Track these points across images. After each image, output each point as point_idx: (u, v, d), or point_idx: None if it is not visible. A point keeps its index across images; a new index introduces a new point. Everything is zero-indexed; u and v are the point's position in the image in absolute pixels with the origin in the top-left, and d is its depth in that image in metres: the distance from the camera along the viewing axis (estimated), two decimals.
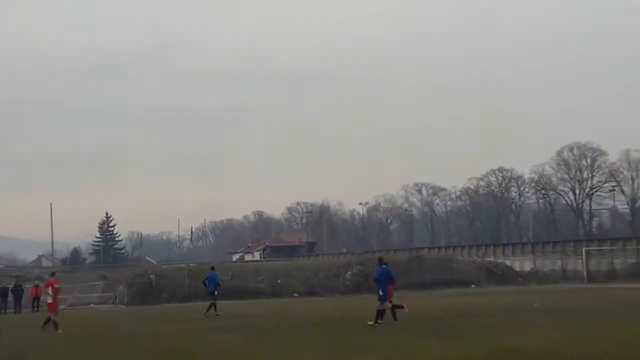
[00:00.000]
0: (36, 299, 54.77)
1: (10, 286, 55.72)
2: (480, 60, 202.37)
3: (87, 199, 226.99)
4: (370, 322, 26.03)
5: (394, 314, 27.30)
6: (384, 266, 27.71)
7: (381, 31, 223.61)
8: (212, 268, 41.49)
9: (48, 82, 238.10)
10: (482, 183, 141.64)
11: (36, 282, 56.21)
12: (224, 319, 34.47)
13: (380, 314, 26.40)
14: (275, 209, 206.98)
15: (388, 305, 26.83)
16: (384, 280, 26.94)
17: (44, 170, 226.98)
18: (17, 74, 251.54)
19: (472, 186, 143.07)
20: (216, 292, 37.96)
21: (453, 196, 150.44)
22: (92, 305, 58.30)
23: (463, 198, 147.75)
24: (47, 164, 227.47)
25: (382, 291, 26.69)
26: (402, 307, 27.17)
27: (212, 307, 36.74)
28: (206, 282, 38.73)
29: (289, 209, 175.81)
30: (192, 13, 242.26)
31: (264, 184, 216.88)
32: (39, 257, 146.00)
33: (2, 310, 55.05)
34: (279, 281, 63.91)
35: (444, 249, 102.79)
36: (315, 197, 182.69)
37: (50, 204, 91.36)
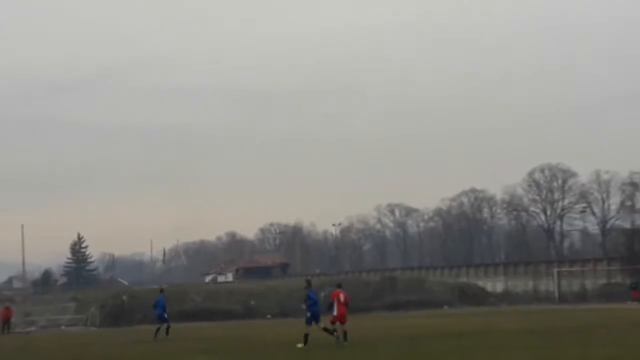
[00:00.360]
0: (7, 320, 54.51)
1: None
2: (452, 78, 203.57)
3: (59, 220, 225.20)
4: (299, 345, 26.53)
5: (344, 334, 27.75)
6: (309, 290, 28.23)
7: (351, 49, 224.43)
8: (162, 291, 40.63)
9: (16, 100, 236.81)
10: (454, 204, 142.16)
11: (7, 304, 55.89)
12: (197, 340, 34.39)
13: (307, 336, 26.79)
14: (248, 230, 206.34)
15: (320, 326, 27.18)
16: (312, 303, 27.40)
17: (15, 190, 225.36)
18: None
19: (444, 207, 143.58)
20: (166, 315, 36.84)
21: (425, 217, 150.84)
22: (63, 327, 57.93)
23: (435, 219, 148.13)
24: (17, 184, 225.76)
25: (312, 313, 27.18)
26: (332, 332, 27.11)
27: (166, 330, 35.91)
28: (155, 306, 37.65)
29: (262, 230, 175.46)
30: (161, 30, 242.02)
31: (237, 204, 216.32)
32: (10, 279, 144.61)
33: None
34: (252, 302, 63.85)
35: (416, 270, 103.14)
36: (288, 218, 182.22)
37: (22, 225, 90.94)
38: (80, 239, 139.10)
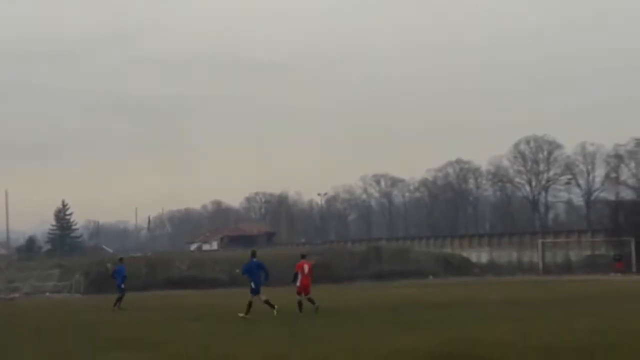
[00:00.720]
0: None
1: None
2: (438, 52, 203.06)
3: (43, 187, 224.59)
4: (241, 314, 26.39)
5: (311, 301, 28.05)
6: (254, 259, 27.91)
7: (340, 21, 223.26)
8: (121, 260, 40.09)
9: (1, 68, 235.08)
10: (440, 174, 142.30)
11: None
12: (183, 309, 34.34)
13: (251, 304, 26.73)
14: (234, 199, 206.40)
15: (262, 298, 27.10)
16: (255, 272, 27.25)
17: (3, 157, 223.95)
18: None
19: (430, 177, 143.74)
20: (123, 285, 36.32)
21: (411, 187, 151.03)
22: (47, 293, 57.78)
23: (421, 189, 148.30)
24: (2, 151, 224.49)
25: (254, 284, 27.14)
26: (273, 307, 26.94)
27: (118, 299, 35.31)
28: (114, 275, 37.35)
29: (248, 199, 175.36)
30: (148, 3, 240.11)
31: (223, 173, 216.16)
32: None
33: None
34: (237, 271, 63.64)
35: (401, 240, 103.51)
36: (274, 187, 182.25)
37: (6, 191, 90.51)
38: (64, 205, 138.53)
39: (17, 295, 56.10)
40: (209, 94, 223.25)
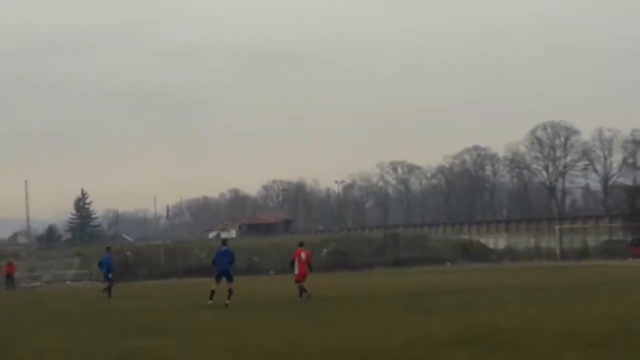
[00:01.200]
0: (10, 276, 54.80)
1: None
2: (456, 40, 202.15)
3: (63, 177, 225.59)
4: (210, 302, 26.44)
5: (302, 290, 28.26)
6: (223, 248, 27.96)
7: (356, 10, 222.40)
8: (108, 249, 39.70)
9: (21, 58, 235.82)
10: (456, 161, 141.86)
11: (9, 259, 56.07)
12: (201, 296, 34.47)
13: (214, 293, 26.75)
14: (251, 187, 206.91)
15: (228, 285, 27.01)
16: (223, 262, 27.19)
17: (19, 147, 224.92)
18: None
19: (447, 164, 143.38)
20: (111, 275, 36.25)
21: (428, 174, 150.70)
22: (68, 282, 58.17)
23: (438, 176, 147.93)
24: (22, 141, 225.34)
25: (222, 272, 27.09)
26: (228, 298, 26.75)
27: (108, 289, 35.43)
28: (100, 265, 37.61)
29: (265, 187, 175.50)
30: None
31: (240, 162, 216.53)
32: (15, 235, 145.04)
33: None
34: (255, 259, 64.03)
35: (419, 227, 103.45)
36: (291, 176, 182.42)
37: (26, 181, 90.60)
38: (84, 195, 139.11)
39: (38, 283, 56.51)
40: (226, 83, 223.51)
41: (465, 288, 32.57)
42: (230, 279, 26.86)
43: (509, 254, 75.35)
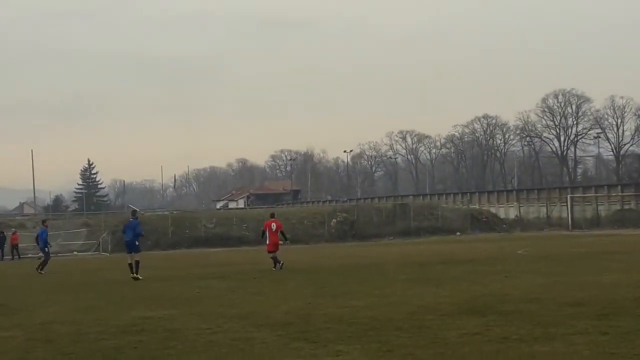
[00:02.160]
0: (15, 246, 54.82)
1: None
2: (466, 7, 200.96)
3: (69, 147, 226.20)
4: (133, 275, 26.54)
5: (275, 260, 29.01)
6: (131, 219, 28.35)
7: None
8: (43, 222, 39.51)
9: (27, 28, 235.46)
10: (466, 130, 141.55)
11: (13, 229, 56.02)
12: (209, 266, 34.31)
13: (132, 266, 26.90)
14: (259, 157, 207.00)
15: (135, 257, 27.22)
16: (129, 234, 27.51)
17: (25, 117, 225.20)
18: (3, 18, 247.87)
19: (456, 133, 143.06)
20: (47, 249, 35.37)
21: (438, 144, 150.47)
22: (75, 252, 58.15)
23: (448, 146, 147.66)
24: (27, 111, 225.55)
25: (127, 244, 27.54)
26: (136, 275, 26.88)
27: (41, 263, 34.66)
28: (37, 238, 37.33)
29: (273, 157, 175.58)
30: None
31: (248, 131, 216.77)
32: (21, 205, 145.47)
33: None
34: (262, 228, 63.80)
35: (428, 197, 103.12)
36: (299, 145, 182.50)
37: (31, 150, 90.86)
38: (90, 165, 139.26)
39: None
40: (234, 51, 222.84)
41: (475, 258, 32.34)
42: (135, 251, 27.16)
43: (520, 223, 75.12)
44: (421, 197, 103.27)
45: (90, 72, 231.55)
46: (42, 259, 35.13)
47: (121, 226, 62.01)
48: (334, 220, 67.60)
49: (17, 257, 54.48)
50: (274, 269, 28.72)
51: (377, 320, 13.48)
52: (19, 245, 56.01)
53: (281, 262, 28.95)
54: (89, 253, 57.94)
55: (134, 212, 29.96)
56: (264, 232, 30.41)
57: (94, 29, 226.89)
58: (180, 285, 24.21)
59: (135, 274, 26.38)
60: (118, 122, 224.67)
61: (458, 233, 67.01)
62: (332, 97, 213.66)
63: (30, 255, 56.85)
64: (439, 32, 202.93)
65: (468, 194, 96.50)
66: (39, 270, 33.75)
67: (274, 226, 30.00)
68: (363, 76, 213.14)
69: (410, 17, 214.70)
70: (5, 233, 55.84)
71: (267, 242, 29.84)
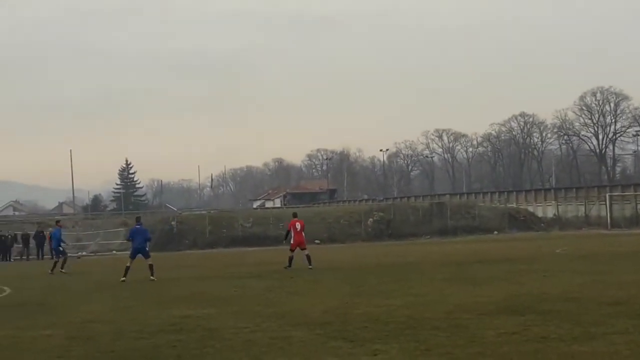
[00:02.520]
0: None
1: (32, 233, 56.18)
2: (504, 5, 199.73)
3: (108, 146, 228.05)
4: (123, 278, 26.64)
5: (307, 258, 29.58)
6: (137, 226, 28.67)
7: None
8: (57, 222, 39.45)
9: (67, 27, 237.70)
10: (504, 129, 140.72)
11: (50, 229, 56.60)
12: (247, 265, 34.44)
13: (128, 269, 27.15)
14: (295, 156, 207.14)
15: (148, 261, 27.47)
16: (138, 239, 27.72)
17: (65, 117, 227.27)
18: (34, 18, 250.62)
19: (493, 132, 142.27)
20: (62, 248, 35.83)
21: (474, 142, 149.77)
22: (114, 252, 58.62)
23: (485, 144, 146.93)
24: (66, 111, 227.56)
25: (138, 249, 27.62)
26: (152, 272, 27.18)
27: (62, 262, 34.85)
28: (51, 239, 37.40)
29: (309, 156, 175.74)
30: None
31: (284, 130, 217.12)
32: (60, 204, 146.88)
33: (25, 257, 55.60)
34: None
35: (465, 196, 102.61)
36: (335, 144, 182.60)
37: (70, 150, 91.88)
38: (128, 164, 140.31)
39: (84, 253, 57.01)
40: (270, 49, 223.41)
41: (513, 257, 32.16)
42: (146, 256, 27.51)
43: (558, 222, 74.53)
44: (458, 196, 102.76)
45: (129, 72, 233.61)
46: (60, 258, 35.19)
47: (159, 226, 62.67)
48: (371, 219, 67.53)
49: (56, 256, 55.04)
50: (287, 268, 29.29)
51: (414, 320, 13.47)
52: None
53: (311, 266, 29.27)
54: (128, 252, 58.31)
55: (138, 218, 30.48)
56: (288, 232, 31.03)
57: (133, 28, 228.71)
58: (218, 284, 24.34)
59: (151, 277, 26.56)
60: (156, 122, 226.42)
61: (495, 232, 66.65)
62: (368, 96, 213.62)
63: (69, 254, 57.44)
64: (474, 30, 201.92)
65: (505, 192, 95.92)
66: (55, 271, 33.96)
67: (298, 226, 30.48)
68: (398, 75, 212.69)
69: (447, 16, 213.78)
70: (44, 232, 56.47)
71: (292, 242, 30.34)
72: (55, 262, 35.39)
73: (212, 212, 74.91)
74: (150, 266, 27.09)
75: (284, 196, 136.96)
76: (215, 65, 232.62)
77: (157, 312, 16.70)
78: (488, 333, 11.66)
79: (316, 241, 61.24)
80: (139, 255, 27.39)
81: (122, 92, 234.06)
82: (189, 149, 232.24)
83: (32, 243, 55.60)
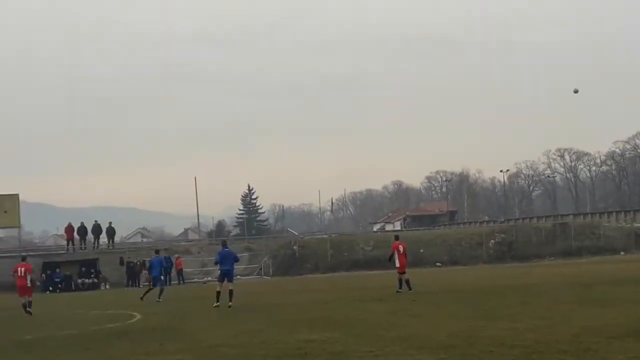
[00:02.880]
0: (180, 271, 56.83)
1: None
2: (621, 21, 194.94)
3: (230, 172, 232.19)
4: (216, 304, 26.93)
5: (407, 282, 29.45)
6: (225, 249, 29.08)
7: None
8: (157, 252, 39.11)
9: (188, 56, 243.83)
10: (628, 146, 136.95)
11: (177, 255, 57.90)
12: (368, 289, 34.56)
13: (219, 294, 27.47)
14: (414, 179, 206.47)
15: (229, 286, 27.61)
16: (226, 262, 27.92)
17: (188, 145, 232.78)
18: (161, 45, 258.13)
19: (617, 150, 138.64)
20: (162, 277, 36.49)
21: (597, 161, 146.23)
22: (238, 276, 59.52)
23: (608, 162, 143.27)
24: (189, 139, 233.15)
25: (225, 273, 27.88)
26: (231, 298, 27.19)
27: (159, 292, 34.62)
28: (150, 267, 37.40)
29: (428, 178, 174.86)
30: None
31: (402, 153, 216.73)
32: (186, 231, 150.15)
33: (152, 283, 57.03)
34: (421, 250, 63.72)
35: (589, 216, 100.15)
36: (454, 166, 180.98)
37: (195, 177, 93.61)
38: (250, 190, 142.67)
39: (209, 278, 58.14)
40: (385, 72, 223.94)
41: None
42: (231, 280, 27.93)
43: None
44: (582, 216, 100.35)
45: (249, 98, 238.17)
46: (156, 287, 35.17)
47: (282, 250, 63.42)
48: (492, 241, 66.75)
49: (182, 281, 56.41)
50: (399, 291, 29.30)
51: (540, 343, 13.32)
52: (184, 270, 58.00)
53: (407, 281, 29.53)
54: (252, 276, 59.30)
55: (224, 242, 31.60)
56: (392, 255, 30.99)
57: (248, 55, 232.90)
58: (340, 307, 24.51)
59: (229, 302, 26.77)
60: (276, 147, 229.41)
61: (622, 253, 64.89)
62: (486, 116, 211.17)
63: (195, 280, 58.81)
64: (595, 43, 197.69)
65: (631, 211, 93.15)
66: (158, 299, 33.82)
67: (401, 248, 30.65)
68: (516, 93, 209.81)
69: (562, 32, 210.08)
70: (171, 258, 57.91)
71: (397, 265, 30.43)
72: (149, 290, 35.84)
73: (332, 235, 75.33)
74: (231, 292, 27.34)
75: (404, 219, 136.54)
76: (335, 88, 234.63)
77: (282, 336, 16.96)
78: (617, 357, 11.45)
79: (437, 264, 60.91)
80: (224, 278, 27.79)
81: (244, 119, 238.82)
82: (309, 174, 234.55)
83: None
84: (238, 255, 33.23)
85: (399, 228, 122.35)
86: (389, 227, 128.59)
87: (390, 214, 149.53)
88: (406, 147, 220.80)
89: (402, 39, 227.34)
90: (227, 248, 29.39)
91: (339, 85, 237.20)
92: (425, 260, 62.32)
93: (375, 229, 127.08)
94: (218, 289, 27.86)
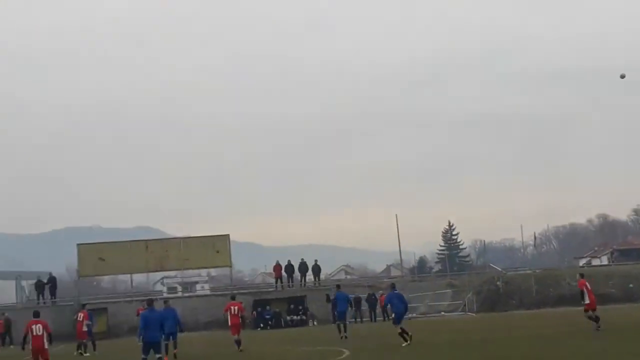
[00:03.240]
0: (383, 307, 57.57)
1: (364, 296, 58.72)
2: None
3: (430, 208, 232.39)
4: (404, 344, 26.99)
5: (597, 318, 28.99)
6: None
7: None
8: (338, 287, 38.29)
9: (365, 95, 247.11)
10: None
11: (381, 291, 58.58)
12: (574, 325, 34.07)
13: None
14: (620, 211, 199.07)
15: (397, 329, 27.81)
16: (395, 303, 28.92)
17: (388, 182, 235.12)
18: (320, 88, 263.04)
19: None
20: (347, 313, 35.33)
21: None
22: (442, 313, 59.79)
23: None
24: (389, 177, 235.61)
25: (395, 314, 28.68)
26: (405, 340, 27.39)
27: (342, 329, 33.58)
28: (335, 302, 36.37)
29: (636, 211, 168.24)
30: (518, 19, 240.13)
31: (606, 185, 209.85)
32: (388, 267, 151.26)
33: (359, 319, 58.00)
34: (630, 285, 61.77)
35: None
36: None
37: (396, 214, 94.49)
38: (450, 226, 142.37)
39: (413, 314, 58.71)
40: (589, 106, 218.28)
41: None
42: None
43: None
44: None
45: (445, 135, 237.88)
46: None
47: (485, 286, 63.15)
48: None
49: (386, 318, 57.10)
50: (598, 329, 28.44)
51: None
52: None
53: (598, 324, 28.82)
54: (456, 313, 59.28)
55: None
56: (582, 293, 30.19)
57: (442, 91, 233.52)
58: (550, 344, 24.44)
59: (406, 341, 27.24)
60: (477, 182, 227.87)
61: None
62: None
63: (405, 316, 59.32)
64: None
65: None
66: (341, 336, 33.05)
67: (588, 285, 30.21)
68: None
69: None
70: (376, 295, 58.75)
71: (587, 302, 29.76)
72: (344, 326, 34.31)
73: (537, 271, 74.00)
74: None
75: (611, 253, 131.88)
76: (533, 123, 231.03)
77: None
78: None
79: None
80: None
81: (444, 155, 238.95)
82: (510, 208, 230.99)
83: (365, 305, 58.03)
84: (440, 291, 34.60)
85: (605, 262, 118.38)
86: (595, 262, 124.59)
87: (596, 248, 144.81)
88: (611, 180, 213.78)
89: (606, 75, 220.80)
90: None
91: (543, 119, 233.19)
92: (636, 295, 60.35)
93: (581, 264, 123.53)
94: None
